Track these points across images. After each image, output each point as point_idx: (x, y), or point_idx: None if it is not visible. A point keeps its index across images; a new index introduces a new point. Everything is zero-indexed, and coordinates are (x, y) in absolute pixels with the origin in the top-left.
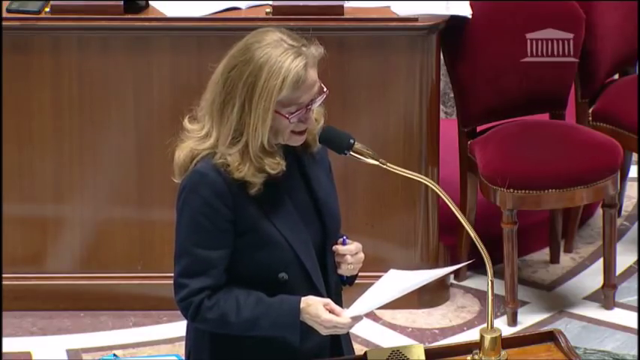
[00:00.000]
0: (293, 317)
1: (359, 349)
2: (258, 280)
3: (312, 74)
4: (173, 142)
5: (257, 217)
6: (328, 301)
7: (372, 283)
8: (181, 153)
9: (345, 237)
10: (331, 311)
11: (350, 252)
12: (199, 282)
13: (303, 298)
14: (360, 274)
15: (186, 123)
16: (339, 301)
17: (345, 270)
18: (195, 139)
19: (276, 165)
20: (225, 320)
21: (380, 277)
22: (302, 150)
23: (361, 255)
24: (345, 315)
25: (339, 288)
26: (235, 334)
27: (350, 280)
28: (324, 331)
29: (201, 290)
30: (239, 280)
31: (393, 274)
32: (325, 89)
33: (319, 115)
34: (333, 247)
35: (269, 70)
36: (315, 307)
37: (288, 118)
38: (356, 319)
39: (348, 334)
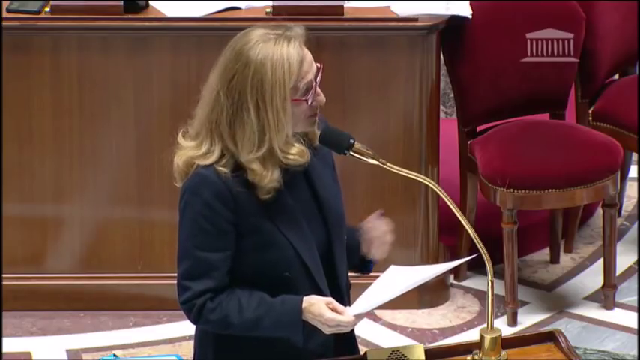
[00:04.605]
0: (295, 316)
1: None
2: (261, 280)
3: (307, 51)
4: (170, 151)
5: (259, 218)
6: (331, 299)
7: (371, 282)
8: (180, 160)
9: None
10: (334, 310)
11: (378, 225)
12: (201, 284)
13: (305, 298)
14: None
15: (180, 139)
16: (347, 301)
17: (372, 247)
18: (197, 156)
19: (303, 152)
20: (227, 321)
21: (380, 276)
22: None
23: (389, 237)
24: (348, 313)
25: (348, 287)
26: (239, 334)
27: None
28: (327, 330)
29: (203, 292)
30: (243, 280)
31: (393, 270)
32: (318, 64)
33: None
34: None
35: (271, 62)
36: (318, 306)
37: (306, 100)
38: (359, 316)
39: (353, 333)
